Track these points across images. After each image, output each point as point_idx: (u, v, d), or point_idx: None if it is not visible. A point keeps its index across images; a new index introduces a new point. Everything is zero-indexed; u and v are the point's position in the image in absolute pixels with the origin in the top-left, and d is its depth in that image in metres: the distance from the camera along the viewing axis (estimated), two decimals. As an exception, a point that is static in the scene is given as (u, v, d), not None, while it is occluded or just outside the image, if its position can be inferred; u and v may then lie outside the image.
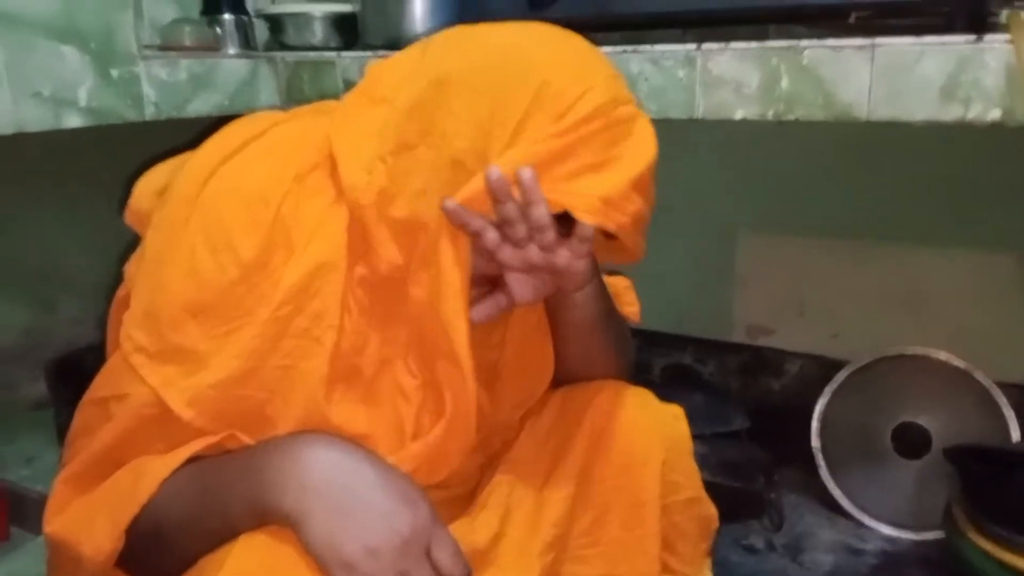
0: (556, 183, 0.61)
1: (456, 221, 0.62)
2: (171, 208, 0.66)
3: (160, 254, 0.65)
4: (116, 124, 1.15)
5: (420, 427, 0.69)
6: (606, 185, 0.61)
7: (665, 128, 1.09)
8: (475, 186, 0.61)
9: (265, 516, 0.59)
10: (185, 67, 1.25)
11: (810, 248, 1.46)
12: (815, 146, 1.38)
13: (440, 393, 0.68)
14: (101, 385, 0.67)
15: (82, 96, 1.11)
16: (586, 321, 0.76)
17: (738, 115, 1.00)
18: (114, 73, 1.15)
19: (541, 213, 0.61)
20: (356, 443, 0.64)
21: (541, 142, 0.60)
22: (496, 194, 0.60)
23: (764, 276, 1.51)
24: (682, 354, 1.60)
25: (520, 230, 0.62)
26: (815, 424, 1.34)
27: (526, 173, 0.59)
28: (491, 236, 0.63)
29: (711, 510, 0.85)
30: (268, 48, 1.45)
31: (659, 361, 1.62)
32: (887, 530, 1.29)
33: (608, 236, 0.69)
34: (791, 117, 0.97)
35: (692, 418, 0.85)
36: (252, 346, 0.63)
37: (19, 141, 1.05)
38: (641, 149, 0.63)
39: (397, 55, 0.70)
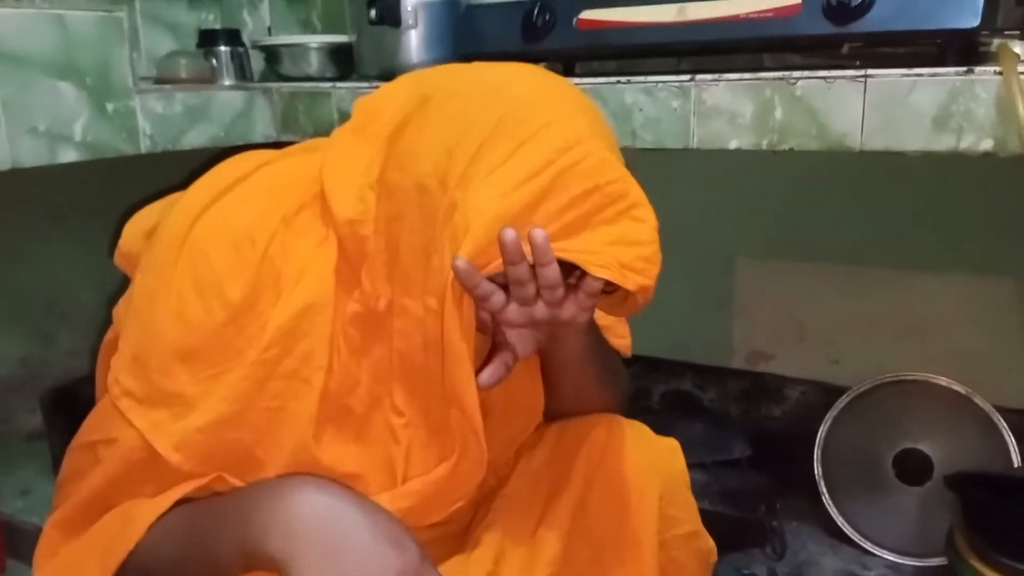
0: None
1: (466, 283, 0.59)
2: (159, 251, 0.66)
3: (148, 298, 0.65)
4: (117, 157, 1.16)
5: (410, 465, 0.68)
6: (624, 241, 0.60)
7: (661, 156, 1.10)
8: (478, 243, 0.58)
9: (253, 560, 0.58)
10: (180, 99, 1.25)
11: (808, 274, 1.46)
12: (811, 174, 1.38)
13: (431, 431, 0.67)
14: (89, 429, 0.67)
15: (77, 131, 1.11)
16: (576, 356, 0.75)
17: (732, 145, 1.01)
18: (110, 107, 1.15)
19: (554, 273, 0.59)
20: (345, 485, 0.63)
21: (513, 187, 0.58)
22: (510, 256, 0.58)
23: (763, 302, 1.51)
24: (682, 380, 1.59)
25: (529, 290, 0.60)
26: (817, 451, 1.33)
27: (539, 234, 0.57)
28: (498, 299, 0.61)
29: (709, 543, 0.84)
30: (264, 79, 1.46)
31: (659, 387, 1.62)
32: (890, 557, 1.28)
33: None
34: (785, 147, 0.97)
35: (692, 446, 0.84)
36: (240, 388, 0.63)
37: (21, 175, 1.05)
38: (643, 212, 0.61)
39: (386, 86, 0.70)
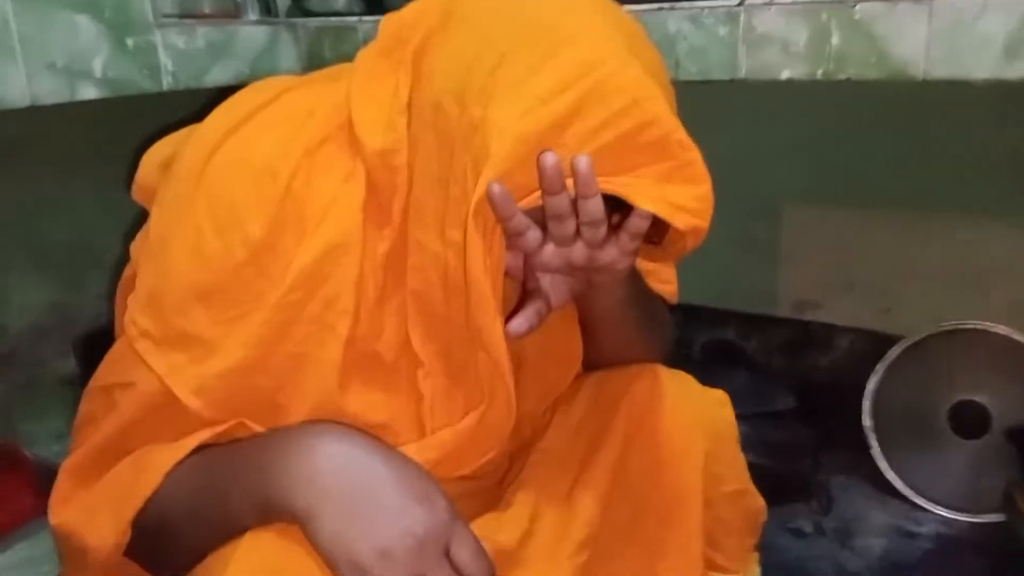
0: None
1: (501, 212, 0.53)
2: (175, 184, 0.61)
3: (165, 234, 0.61)
4: (138, 95, 1.12)
5: (435, 416, 0.64)
6: (673, 178, 0.54)
7: (705, 91, 1.03)
8: (500, 168, 0.52)
9: (271, 513, 0.55)
10: (203, 35, 1.20)
11: (860, 220, 1.38)
12: (866, 111, 1.29)
13: (453, 379, 0.63)
14: (106, 372, 0.64)
15: (97, 67, 1.08)
16: (616, 306, 0.70)
17: (784, 75, 0.94)
18: (129, 42, 1.11)
19: (598, 207, 0.53)
20: (370, 435, 0.59)
21: (538, 102, 0.52)
22: (549, 184, 0.52)
23: (811, 249, 1.44)
24: (724, 329, 1.54)
25: (569, 227, 0.55)
26: (867, 403, 1.27)
27: (583, 161, 0.51)
28: (533, 237, 0.56)
29: (759, 502, 0.79)
30: (290, 16, 1.41)
31: (700, 337, 1.56)
32: (943, 512, 1.22)
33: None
34: (841, 77, 0.91)
35: (734, 397, 0.80)
36: (261, 333, 0.59)
37: (41, 113, 1.02)
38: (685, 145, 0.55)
39: (413, 3, 0.64)
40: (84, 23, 1.05)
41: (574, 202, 0.54)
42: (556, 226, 0.55)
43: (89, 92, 1.07)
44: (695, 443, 0.71)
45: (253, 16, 1.36)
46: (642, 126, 0.53)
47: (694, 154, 0.54)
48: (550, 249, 0.57)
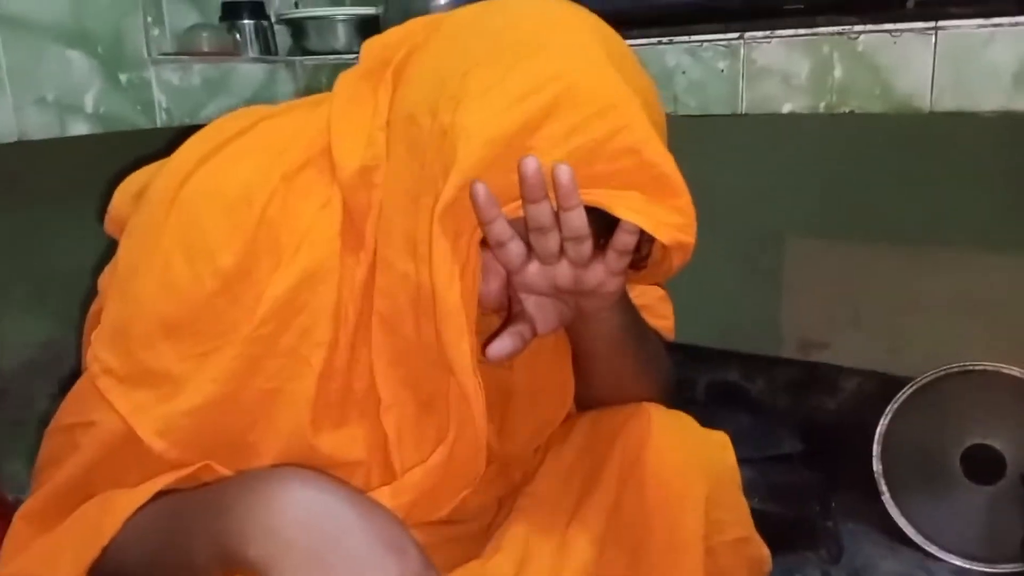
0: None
1: (484, 215, 0.51)
2: (146, 213, 0.59)
3: (132, 264, 0.59)
4: (137, 131, 1.11)
5: (404, 451, 0.61)
6: (653, 190, 0.52)
7: (706, 125, 1.01)
8: (468, 172, 0.50)
9: (229, 563, 0.51)
10: (199, 72, 1.20)
11: (865, 253, 1.35)
12: (870, 141, 1.28)
13: (423, 409, 0.60)
14: (67, 411, 0.61)
15: (89, 102, 1.06)
16: (609, 338, 0.67)
17: (785, 108, 0.92)
18: (123, 78, 1.10)
19: (580, 220, 0.51)
20: (338, 479, 0.56)
21: (508, 104, 0.50)
22: (530, 191, 0.50)
23: (815, 285, 1.41)
24: (727, 370, 1.50)
25: (552, 241, 0.52)
26: (876, 447, 1.23)
27: (564, 171, 0.49)
28: (517, 250, 0.53)
29: (762, 551, 0.75)
30: (290, 55, 1.40)
31: (703, 378, 1.52)
32: (957, 562, 1.17)
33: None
34: (844, 110, 0.89)
35: (739, 440, 0.76)
36: (232, 368, 0.56)
37: (33, 148, 1.00)
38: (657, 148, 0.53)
39: (400, 25, 0.62)
40: (76, 58, 1.04)
41: (556, 215, 0.51)
42: (539, 240, 0.53)
43: (80, 128, 1.06)
44: (695, 486, 0.67)
45: (252, 55, 1.35)
46: (615, 131, 0.51)
47: (670, 166, 0.52)
48: (534, 268, 0.55)
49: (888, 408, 1.24)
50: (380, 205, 0.58)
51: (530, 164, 0.49)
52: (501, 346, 0.57)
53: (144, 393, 0.56)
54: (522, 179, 0.50)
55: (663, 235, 0.52)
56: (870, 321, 1.37)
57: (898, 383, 1.25)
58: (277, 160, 0.59)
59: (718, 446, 0.73)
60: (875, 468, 1.23)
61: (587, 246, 0.53)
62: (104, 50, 1.07)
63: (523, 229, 0.53)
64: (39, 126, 1.01)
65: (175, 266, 0.56)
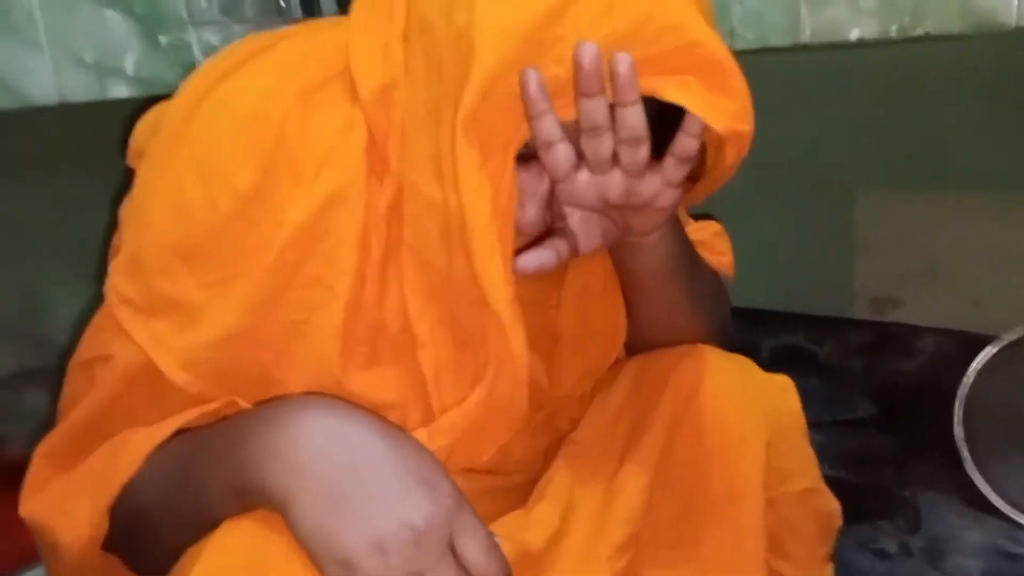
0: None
1: (533, 108, 0.46)
2: (160, 137, 0.56)
3: (146, 189, 0.56)
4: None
5: (443, 391, 0.57)
6: (703, 72, 0.46)
7: (764, 62, 0.94)
8: (489, 70, 0.45)
9: (248, 498, 0.48)
10: (240, 33, 1.17)
11: (944, 204, 1.26)
12: (950, 75, 1.17)
13: (461, 348, 0.56)
14: (86, 345, 0.59)
15: (129, 64, 1.05)
16: (659, 269, 0.61)
17: (854, 35, 0.85)
18: (163, 40, 1.08)
19: (639, 118, 0.46)
20: (366, 410, 0.52)
21: None
22: (585, 82, 0.45)
23: (889, 239, 1.32)
24: (793, 334, 1.42)
25: (606, 144, 0.47)
26: (957, 409, 1.14)
27: (624, 60, 0.44)
28: (565, 153, 0.48)
29: (832, 504, 0.69)
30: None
31: (766, 343, 1.44)
32: (1049, 531, 1.09)
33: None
34: (920, 32, 0.81)
35: (806, 404, 0.70)
36: (254, 297, 0.53)
37: (74, 111, 0.99)
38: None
39: None
40: (113, 18, 1.03)
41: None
42: (591, 142, 0.47)
43: (121, 90, 1.05)
44: (754, 431, 0.62)
45: (296, 16, 1.33)
46: (653, 8, 0.45)
47: (717, 43, 0.46)
48: (584, 177, 0.49)
49: (970, 368, 1.15)
50: (402, 126, 0.53)
51: (588, 50, 0.44)
52: (532, 258, 0.52)
53: (163, 324, 0.54)
54: (577, 67, 0.45)
55: (716, 121, 0.46)
56: (948, 276, 1.28)
57: (981, 342, 1.16)
58: (295, 77, 0.55)
59: (780, 389, 0.67)
60: (956, 432, 1.14)
61: (644, 150, 0.47)
62: (141, 10, 1.05)
63: (570, 134, 0.48)
64: (79, 88, 1.00)
65: (188, 188, 0.53)
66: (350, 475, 0.46)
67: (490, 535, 0.48)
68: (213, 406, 0.54)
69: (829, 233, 1.36)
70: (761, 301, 1.39)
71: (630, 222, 0.55)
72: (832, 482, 0.72)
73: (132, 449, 0.53)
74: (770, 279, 1.38)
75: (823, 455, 1.09)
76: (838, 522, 0.70)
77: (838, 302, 1.38)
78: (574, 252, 0.54)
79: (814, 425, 0.76)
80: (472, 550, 0.47)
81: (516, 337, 0.52)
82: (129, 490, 0.53)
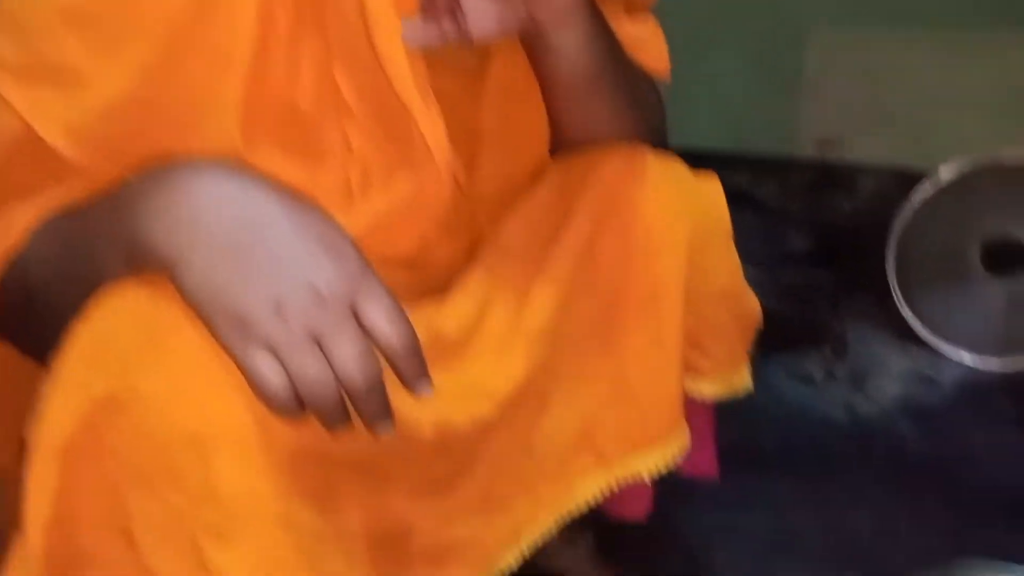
0: None
1: None
2: None
3: None
4: None
5: (369, 182, 0.55)
6: None
7: None
8: None
9: (137, 260, 0.45)
10: None
11: (893, 43, 1.24)
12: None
13: (389, 136, 0.53)
14: None
15: None
16: (581, 75, 0.59)
17: None
18: None
19: None
20: (266, 176, 0.49)
21: None
22: None
23: (837, 80, 1.30)
24: (735, 174, 1.41)
25: None
26: (891, 241, 1.16)
27: None
28: None
29: (752, 304, 0.69)
30: None
31: (711, 182, 1.44)
32: (969, 358, 1.12)
33: None
34: None
35: (746, 241, 0.69)
36: (146, 62, 0.49)
37: None
38: None
39: None
40: None
41: None
42: None
43: None
44: (676, 229, 0.60)
45: None
46: None
47: None
48: None
49: (906, 204, 1.16)
50: None
51: None
52: (413, 28, 0.50)
53: (47, 91, 0.49)
54: None
55: None
56: (895, 116, 1.28)
57: (920, 179, 1.17)
58: None
59: (706, 189, 0.66)
60: (888, 266, 1.16)
61: None
62: None
63: None
64: None
65: None
66: (248, 233, 0.44)
67: (396, 303, 0.46)
68: (103, 183, 0.50)
69: (778, 73, 1.34)
70: (708, 141, 1.37)
71: (534, 13, 0.52)
72: (766, 313, 0.71)
73: (16, 221, 0.50)
74: (718, 119, 1.36)
75: (759, 289, 1.11)
76: (758, 321, 0.70)
77: (785, 143, 1.37)
78: (466, 37, 0.52)
79: (751, 262, 0.76)
80: (376, 316, 0.45)
81: (431, 122, 0.50)
82: (17, 268, 0.50)
